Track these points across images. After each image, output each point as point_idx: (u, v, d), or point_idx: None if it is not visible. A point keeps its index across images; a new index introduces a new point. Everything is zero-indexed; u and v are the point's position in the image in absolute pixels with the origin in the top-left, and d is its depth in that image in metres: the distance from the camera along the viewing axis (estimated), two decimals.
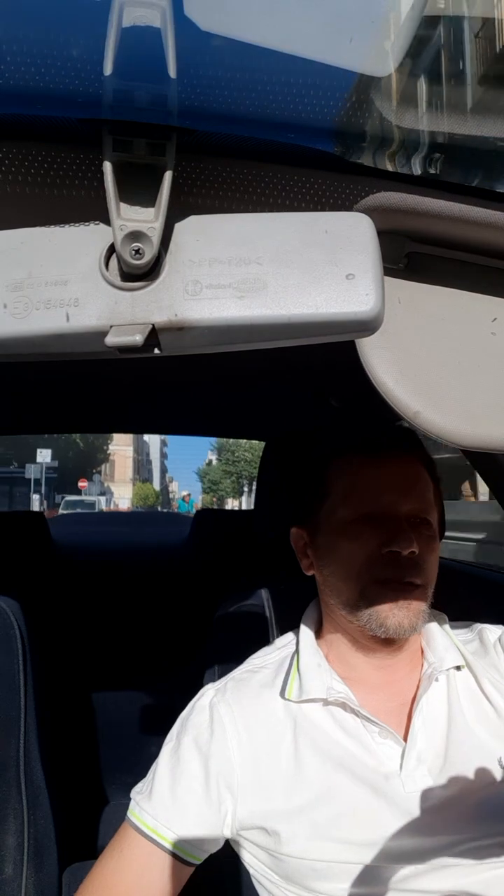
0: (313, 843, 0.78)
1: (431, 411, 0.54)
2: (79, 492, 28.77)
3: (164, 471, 65.42)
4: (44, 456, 24.31)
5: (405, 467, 0.86)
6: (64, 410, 2.01)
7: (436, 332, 0.56)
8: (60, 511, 18.07)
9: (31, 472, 23.40)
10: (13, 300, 0.45)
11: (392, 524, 0.82)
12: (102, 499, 29.19)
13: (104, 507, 24.95)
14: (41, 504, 21.86)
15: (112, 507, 28.85)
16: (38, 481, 23.60)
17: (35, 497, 22.56)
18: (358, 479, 0.85)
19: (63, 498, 24.37)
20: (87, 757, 1.90)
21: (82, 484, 30.47)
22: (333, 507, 0.86)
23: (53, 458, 25.72)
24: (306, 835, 0.78)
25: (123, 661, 1.98)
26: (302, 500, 0.93)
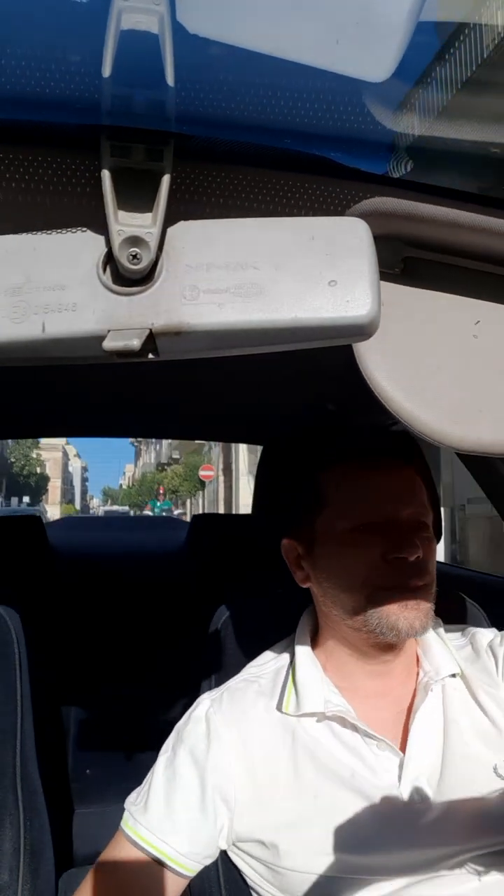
0: (312, 857, 0.77)
1: (427, 415, 0.55)
2: None
3: (84, 492, 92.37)
4: (26, 498, 52.79)
5: (402, 474, 0.85)
6: (62, 415, 2.01)
7: (432, 336, 0.57)
8: None
9: (22, 506, 48.04)
10: (11, 305, 0.45)
11: (395, 531, 0.80)
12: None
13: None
14: None
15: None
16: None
17: None
18: (357, 488, 0.83)
19: None
20: (83, 763, 1.89)
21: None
22: (332, 518, 0.84)
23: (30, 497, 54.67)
24: (304, 848, 0.78)
25: (120, 668, 1.97)
26: (295, 512, 0.90)
